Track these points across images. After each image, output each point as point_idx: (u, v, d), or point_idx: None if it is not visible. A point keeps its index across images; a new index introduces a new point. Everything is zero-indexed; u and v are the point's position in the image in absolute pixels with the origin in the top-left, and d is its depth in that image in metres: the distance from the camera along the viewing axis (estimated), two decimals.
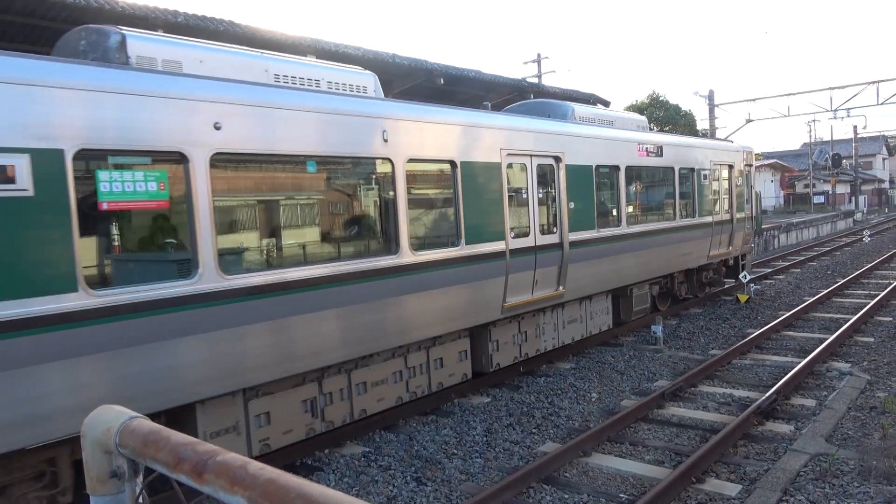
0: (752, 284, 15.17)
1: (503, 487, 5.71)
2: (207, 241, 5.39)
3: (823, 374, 9.11)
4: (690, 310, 14.08)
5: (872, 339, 10.95)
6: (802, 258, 22.35)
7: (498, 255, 8.25)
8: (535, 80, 28.55)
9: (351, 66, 7.79)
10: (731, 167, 14.58)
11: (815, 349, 9.89)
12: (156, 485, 1.85)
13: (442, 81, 14.23)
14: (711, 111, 30.89)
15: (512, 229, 8.50)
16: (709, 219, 13.51)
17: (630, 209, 11.25)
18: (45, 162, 4.52)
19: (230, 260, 5.74)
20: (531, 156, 8.95)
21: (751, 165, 15.83)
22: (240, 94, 5.73)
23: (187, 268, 5.36)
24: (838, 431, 7.03)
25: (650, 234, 11.56)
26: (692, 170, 12.93)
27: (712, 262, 14.17)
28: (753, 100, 30.54)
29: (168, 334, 5.18)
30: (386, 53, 13.04)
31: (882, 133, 69.52)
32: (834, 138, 53.66)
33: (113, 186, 4.97)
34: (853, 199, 53.55)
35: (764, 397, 7.73)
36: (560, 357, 10.46)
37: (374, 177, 7.22)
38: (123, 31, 5.69)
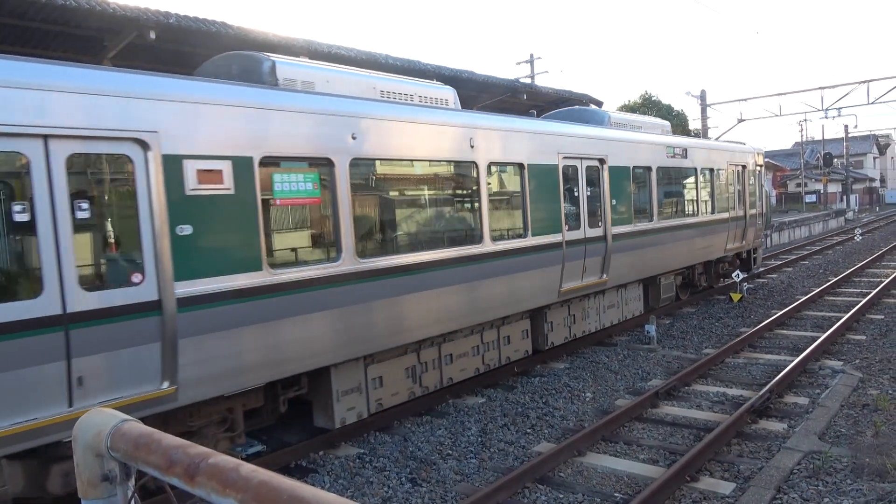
0: (745, 283, 15.24)
1: (498, 488, 5.71)
2: (348, 231, 6.58)
3: (816, 372, 9.16)
4: (684, 309, 14.13)
5: (864, 338, 11.01)
6: (794, 257, 22.46)
7: (556, 246, 9.45)
8: (528, 81, 28.59)
9: (434, 81, 9.19)
10: (744, 167, 15.70)
11: (808, 347, 9.94)
12: (149, 486, 1.84)
13: (435, 82, 14.23)
14: (703, 111, 31.00)
15: (566, 223, 9.67)
16: (726, 215, 14.66)
17: (659, 206, 12.24)
18: (242, 167, 5.68)
19: (363, 246, 6.88)
20: (581, 158, 10.13)
21: (761, 166, 16.93)
22: (369, 109, 6.96)
23: (334, 252, 6.56)
24: (831, 429, 7.06)
25: (676, 229, 12.77)
26: (712, 170, 14.13)
27: (728, 255, 15.28)
28: (745, 99, 30.66)
29: (318, 307, 6.31)
30: (379, 54, 13.03)
31: (873, 132, 69.97)
32: (825, 137, 53.94)
33: (283, 186, 6.18)
34: (844, 197, 53.88)
35: (757, 396, 7.76)
36: (554, 357, 10.47)
37: (463, 177, 8.38)
38: (273, 58, 6.78)
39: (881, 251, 22.57)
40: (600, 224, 10.54)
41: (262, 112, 5.88)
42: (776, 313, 12.87)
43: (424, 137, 7.55)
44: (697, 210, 13.65)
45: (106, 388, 4.89)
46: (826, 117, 32.50)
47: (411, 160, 7.60)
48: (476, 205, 8.30)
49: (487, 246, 8.29)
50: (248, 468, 1.15)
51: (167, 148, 5.21)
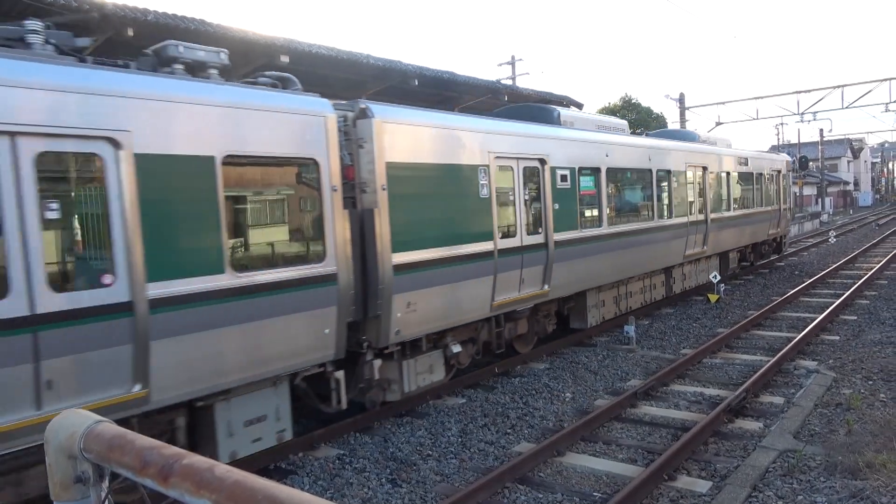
0: (722, 284, 15.44)
1: (478, 488, 5.72)
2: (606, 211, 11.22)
3: (791, 372, 9.30)
4: (662, 310, 14.27)
5: (838, 338, 11.20)
6: (771, 258, 22.77)
7: (683, 226, 13.95)
8: (510, 82, 28.68)
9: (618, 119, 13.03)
10: (779, 172, 20.59)
11: (783, 348, 10.09)
12: (127, 486, 1.82)
13: (416, 83, 14.21)
14: (682, 114, 31.33)
15: (684, 212, 13.90)
16: (769, 207, 19.63)
17: (733, 199, 16.74)
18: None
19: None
20: (703, 167, 14.99)
21: (790, 171, 22.17)
22: (617, 138, 11.98)
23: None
24: (805, 428, 7.17)
25: (743, 217, 17.39)
26: (762, 174, 19.01)
27: (768, 239, 20.24)
28: (723, 103, 31.05)
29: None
30: (360, 54, 12.98)
31: (847, 136, 71.19)
32: (801, 141, 54.81)
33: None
34: (819, 200, 54.75)
35: (734, 395, 7.86)
36: (535, 357, 10.51)
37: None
38: (559, 109, 11.47)
39: (854, 253, 22.98)
40: (702, 212, 13.83)
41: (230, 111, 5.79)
42: (753, 314, 13.05)
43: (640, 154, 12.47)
44: (754, 203, 18.42)
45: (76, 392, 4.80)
46: (802, 121, 33.07)
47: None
48: (653, 196, 12.84)
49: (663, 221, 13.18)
50: (223, 469, 1.14)
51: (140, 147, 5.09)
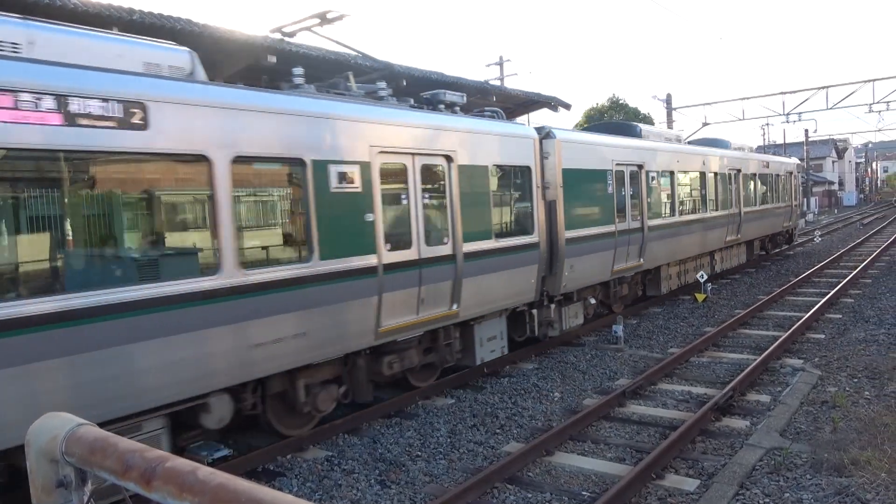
0: (709, 284, 15.54)
1: (467, 488, 5.72)
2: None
3: (777, 370, 9.37)
4: (650, 309, 14.33)
5: (823, 336, 11.31)
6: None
7: (725, 218, 17.14)
8: (498, 83, 28.73)
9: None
10: (791, 173, 24.12)
11: (770, 346, 10.16)
12: (112, 490, 1.80)
13: (405, 83, 14.19)
14: (669, 114, 31.51)
15: (726, 206, 17.16)
16: (784, 204, 23.07)
17: (755, 196, 19.86)
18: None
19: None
20: (738, 169, 18.22)
21: (800, 172, 26.22)
22: (682, 147, 14.67)
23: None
24: (792, 426, 7.23)
25: (765, 211, 20.90)
26: (779, 175, 22.40)
27: (783, 230, 23.56)
28: (710, 103, 31.29)
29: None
30: (348, 55, 12.94)
31: (832, 136, 71.93)
32: (787, 141, 55.32)
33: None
34: (805, 200, 55.25)
35: (721, 394, 7.91)
36: (523, 358, 10.53)
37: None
38: (640, 125, 13.99)
39: (839, 252, 23.20)
40: (735, 206, 16.63)
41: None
42: (739, 313, 13.14)
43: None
44: (772, 199, 21.74)
45: None
46: (787, 122, 33.34)
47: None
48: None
49: (711, 213, 16.15)
50: (206, 471, 1.13)
51: None
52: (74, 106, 4.88)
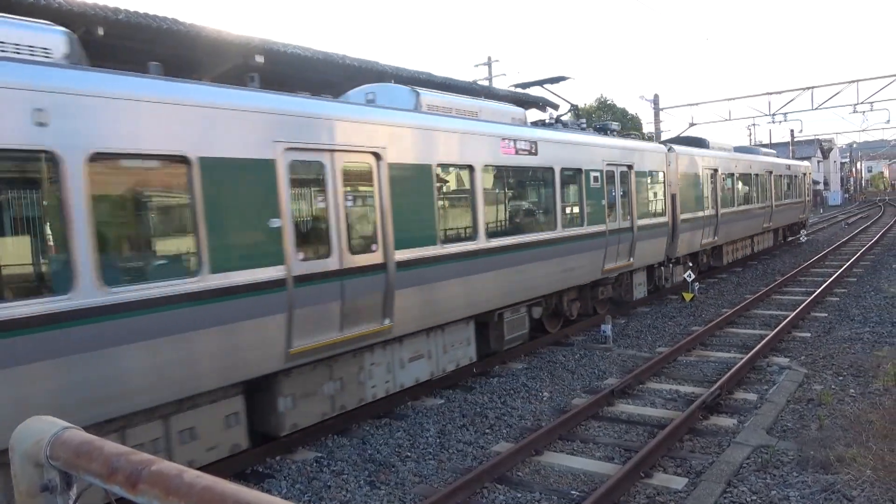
0: (696, 283, 15.64)
1: (457, 488, 5.72)
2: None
3: (764, 368, 9.44)
4: (638, 309, 14.40)
5: (809, 335, 11.41)
6: (743, 257, 23.16)
7: (763, 209, 22.34)
8: (486, 83, 28.76)
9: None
10: (805, 174, 29.35)
11: (757, 345, 10.24)
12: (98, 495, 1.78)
13: (393, 83, 14.18)
14: (657, 115, 31.69)
15: (764, 200, 22.44)
16: (800, 199, 28.28)
17: (781, 192, 25.01)
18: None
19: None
20: (770, 171, 22.97)
21: (810, 172, 31.12)
22: (742, 156, 21.05)
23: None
24: (778, 424, 7.29)
25: (788, 205, 26.06)
26: (796, 176, 27.62)
27: (798, 221, 28.76)
28: (696, 104, 31.49)
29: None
30: (335, 54, 12.92)
31: (817, 136, 72.54)
32: (772, 141, 55.73)
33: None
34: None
35: (708, 392, 7.96)
36: (512, 357, 10.54)
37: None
38: (707, 139, 19.38)
39: (825, 251, 23.42)
40: (767, 202, 21.16)
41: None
42: (726, 312, 13.24)
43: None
44: (792, 196, 26.70)
45: None
46: (773, 122, 33.68)
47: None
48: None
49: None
50: (192, 474, 1.12)
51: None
52: None
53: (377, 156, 7.39)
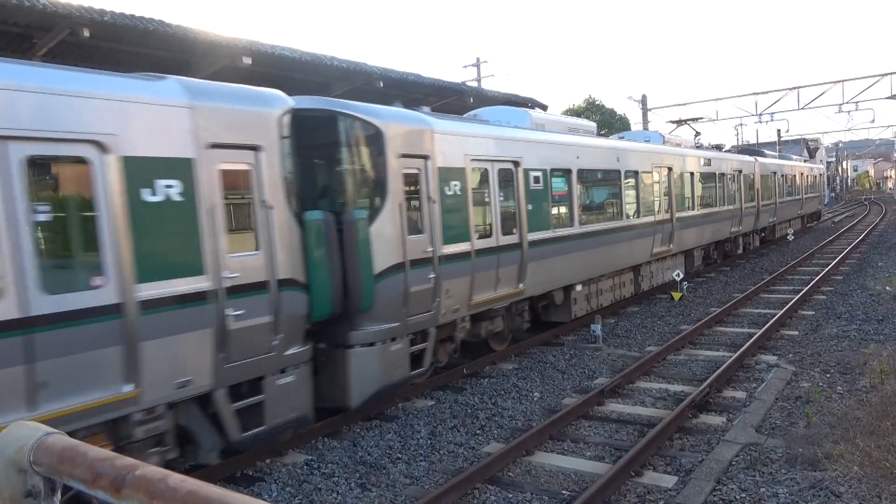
0: (685, 282, 15.73)
1: (448, 489, 5.72)
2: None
3: (753, 367, 9.50)
4: (628, 308, 14.46)
5: (797, 333, 11.50)
6: (731, 257, 23.30)
7: (796, 201, 30.33)
8: (475, 84, 28.79)
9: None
10: (821, 174, 35.03)
11: (745, 343, 10.31)
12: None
13: (381, 84, 14.17)
14: (644, 115, 31.84)
15: (796, 195, 30.29)
16: (817, 194, 35.41)
17: (798, 188, 30.48)
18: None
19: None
20: (801, 173, 31.68)
21: (824, 173, 37.45)
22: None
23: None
24: (767, 421, 7.34)
25: (809, 199, 33.19)
26: (815, 175, 34.98)
27: (815, 212, 36.02)
28: (684, 104, 31.71)
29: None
30: (324, 56, 12.88)
31: (803, 136, 73.14)
32: (759, 141, 56.09)
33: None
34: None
35: (697, 391, 8.00)
36: (503, 358, 10.55)
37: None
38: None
39: (812, 250, 23.63)
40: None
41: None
42: (715, 311, 13.31)
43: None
44: (813, 191, 34.39)
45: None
46: (760, 122, 33.91)
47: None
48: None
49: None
50: (177, 478, 1.11)
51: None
52: None
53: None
